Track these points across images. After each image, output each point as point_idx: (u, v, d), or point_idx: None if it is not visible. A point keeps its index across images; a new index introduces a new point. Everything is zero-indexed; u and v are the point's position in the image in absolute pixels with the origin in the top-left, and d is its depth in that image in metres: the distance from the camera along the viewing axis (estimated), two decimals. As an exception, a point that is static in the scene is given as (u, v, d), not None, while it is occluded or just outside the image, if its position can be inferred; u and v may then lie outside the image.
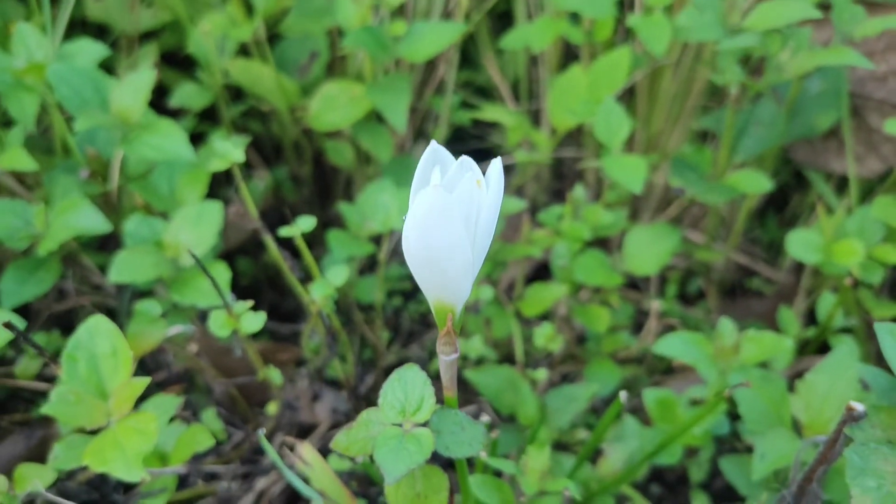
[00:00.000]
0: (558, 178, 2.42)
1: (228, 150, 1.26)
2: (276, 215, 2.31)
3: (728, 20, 1.59)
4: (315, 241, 2.10)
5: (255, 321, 1.10)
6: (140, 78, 1.61)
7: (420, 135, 2.34)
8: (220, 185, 2.19)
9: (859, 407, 0.98)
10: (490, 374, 1.67)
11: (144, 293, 1.74)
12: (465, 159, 0.73)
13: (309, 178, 2.37)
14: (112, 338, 1.01)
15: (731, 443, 1.65)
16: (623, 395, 1.15)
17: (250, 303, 1.12)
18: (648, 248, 1.80)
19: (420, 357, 2.04)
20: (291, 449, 1.30)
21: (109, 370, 1.01)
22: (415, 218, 0.66)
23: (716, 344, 1.41)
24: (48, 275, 1.60)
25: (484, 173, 0.70)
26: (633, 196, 2.07)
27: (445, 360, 0.82)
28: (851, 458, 0.95)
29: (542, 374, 1.63)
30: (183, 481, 1.47)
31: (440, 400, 0.84)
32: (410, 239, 0.68)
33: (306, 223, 1.27)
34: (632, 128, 1.92)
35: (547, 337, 1.65)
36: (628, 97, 2.10)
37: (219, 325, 1.10)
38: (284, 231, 1.27)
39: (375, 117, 2.02)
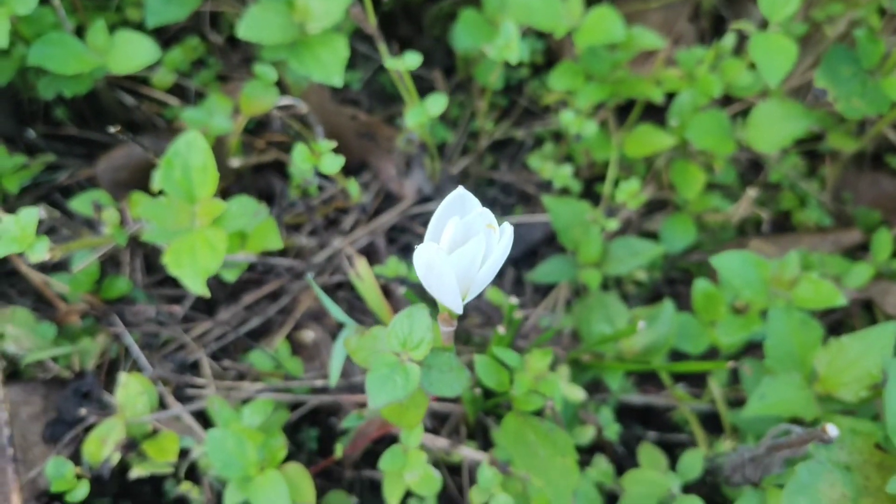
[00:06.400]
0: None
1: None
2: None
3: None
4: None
5: (334, 162, 1.19)
6: None
7: None
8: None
9: (833, 431, 1.04)
10: (565, 206, 1.73)
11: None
12: (486, 212, 0.77)
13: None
14: (204, 154, 1.14)
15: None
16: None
17: (333, 143, 1.20)
18: (775, 125, 1.71)
19: (525, 142, 2.08)
20: (350, 260, 1.46)
21: (199, 180, 1.15)
22: (417, 260, 0.73)
23: (776, 272, 1.42)
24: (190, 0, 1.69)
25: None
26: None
27: (444, 330, 0.93)
28: (800, 473, 1.04)
29: (613, 224, 1.68)
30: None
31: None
32: (416, 266, 0.76)
33: (413, 60, 1.29)
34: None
35: (629, 193, 1.67)
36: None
37: (301, 158, 1.20)
38: (389, 63, 1.30)
39: None
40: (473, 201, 0.80)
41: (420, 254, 0.72)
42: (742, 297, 1.51)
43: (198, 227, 1.15)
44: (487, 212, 0.77)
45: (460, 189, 0.79)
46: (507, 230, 0.74)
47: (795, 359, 1.39)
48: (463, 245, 0.73)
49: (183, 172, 1.15)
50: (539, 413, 1.20)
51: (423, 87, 2.14)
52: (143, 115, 1.89)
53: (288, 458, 1.49)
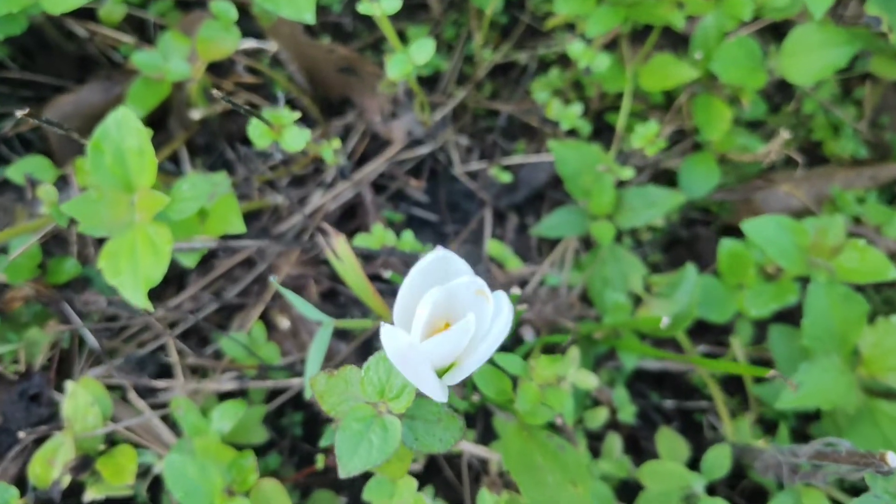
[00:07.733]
0: None
1: None
2: None
3: None
4: None
5: (299, 137, 0.99)
6: None
7: None
8: None
9: (893, 460, 0.89)
10: (573, 151, 1.53)
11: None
12: (478, 281, 0.57)
13: None
14: (139, 137, 0.94)
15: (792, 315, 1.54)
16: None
17: (297, 115, 1.00)
18: (813, 54, 1.49)
19: (528, 66, 1.85)
20: (325, 234, 1.27)
21: (136, 166, 0.95)
22: (387, 347, 0.55)
23: (815, 239, 1.24)
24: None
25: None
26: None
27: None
28: (852, 507, 0.89)
29: (628, 173, 1.48)
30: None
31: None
32: (386, 352, 0.58)
33: (390, 4, 1.07)
34: None
35: (647, 138, 1.46)
36: None
37: (258, 135, 1.00)
38: (363, 8, 1.08)
39: None
40: (459, 263, 0.61)
41: (388, 340, 0.54)
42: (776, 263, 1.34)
43: (138, 222, 0.96)
44: (479, 280, 0.59)
45: (440, 250, 0.60)
46: (506, 306, 0.56)
47: (836, 338, 1.22)
48: (446, 313, 0.55)
49: (115, 158, 0.95)
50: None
51: (413, 3, 1.89)
52: (97, 49, 1.67)
53: (270, 447, 1.36)
